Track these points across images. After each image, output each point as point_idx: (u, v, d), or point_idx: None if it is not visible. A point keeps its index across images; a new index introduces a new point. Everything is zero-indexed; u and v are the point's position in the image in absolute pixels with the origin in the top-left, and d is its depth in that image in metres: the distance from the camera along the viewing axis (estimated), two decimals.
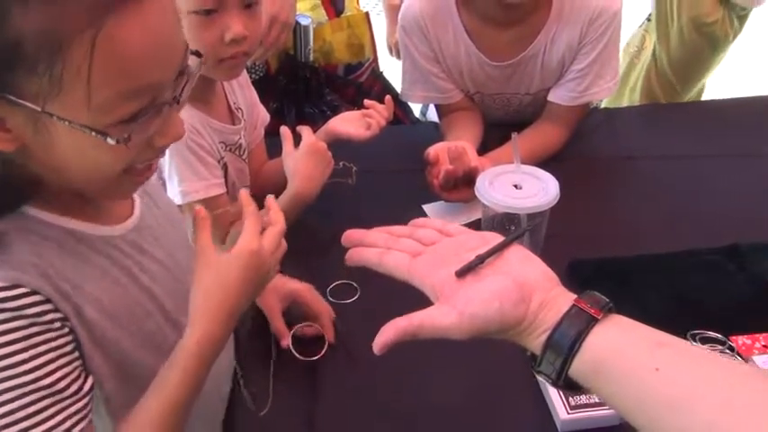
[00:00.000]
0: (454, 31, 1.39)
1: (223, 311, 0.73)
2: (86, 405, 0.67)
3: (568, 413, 0.87)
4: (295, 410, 0.93)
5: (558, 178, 1.07)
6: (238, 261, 0.74)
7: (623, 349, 0.56)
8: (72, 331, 0.66)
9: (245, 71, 1.32)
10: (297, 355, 0.97)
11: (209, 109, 1.18)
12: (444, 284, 0.62)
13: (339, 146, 1.29)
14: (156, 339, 0.77)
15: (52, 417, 0.64)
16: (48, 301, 0.64)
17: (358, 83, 1.73)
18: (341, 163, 1.38)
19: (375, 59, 1.78)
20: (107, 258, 0.73)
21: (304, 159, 1.18)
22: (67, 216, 0.69)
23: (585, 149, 1.47)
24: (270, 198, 0.85)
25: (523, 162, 1.13)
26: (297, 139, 1.22)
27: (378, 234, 0.69)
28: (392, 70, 1.76)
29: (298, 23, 1.54)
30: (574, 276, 1.10)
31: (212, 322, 0.72)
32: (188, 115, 1.11)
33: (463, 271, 0.62)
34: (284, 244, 0.82)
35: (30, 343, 0.62)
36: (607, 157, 1.45)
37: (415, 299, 0.64)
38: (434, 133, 1.48)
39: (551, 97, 1.44)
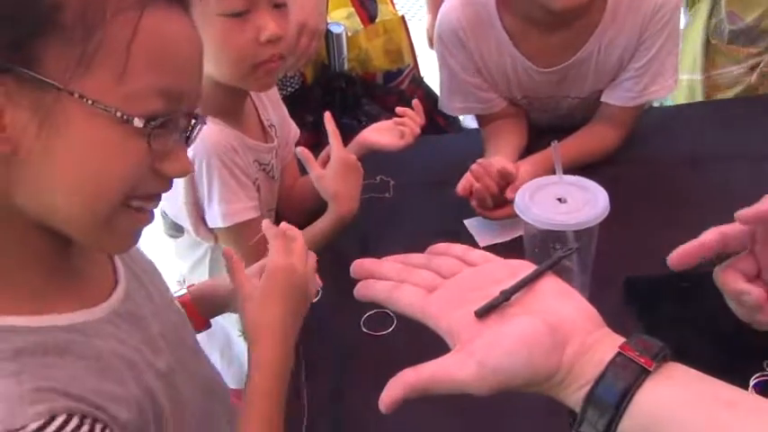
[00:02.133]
0: (497, 38, 1.30)
1: (275, 333, 0.78)
2: None
3: None
4: None
5: (609, 185, 0.95)
6: (274, 283, 0.79)
7: (682, 410, 0.46)
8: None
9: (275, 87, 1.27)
10: None
11: (242, 127, 1.13)
12: (462, 327, 0.53)
13: (375, 159, 1.22)
14: (171, 413, 0.70)
15: None
16: (84, 416, 0.56)
17: (399, 90, 1.66)
18: (378, 177, 1.32)
19: (415, 65, 1.70)
20: (116, 340, 0.65)
21: (340, 178, 1.11)
22: (51, 311, 0.60)
23: (642, 152, 1.35)
24: (283, 224, 0.88)
25: (575, 168, 1.03)
26: (315, 155, 1.15)
27: (391, 265, 0.60)
28: (435, 75, 1.68)
29: (330, 32, 1.48)
30: (630, 297, 1.00)
31: (266, 347, 0.77)
32: (223, 134, 1.07)
33: (484, 311, 0.52)
34: (312, 255, 0.86)
35: None
36: (667, 161, 1.32)
37: None
38: (476, 142, 1.39)
39: (606, 98, 1.33)
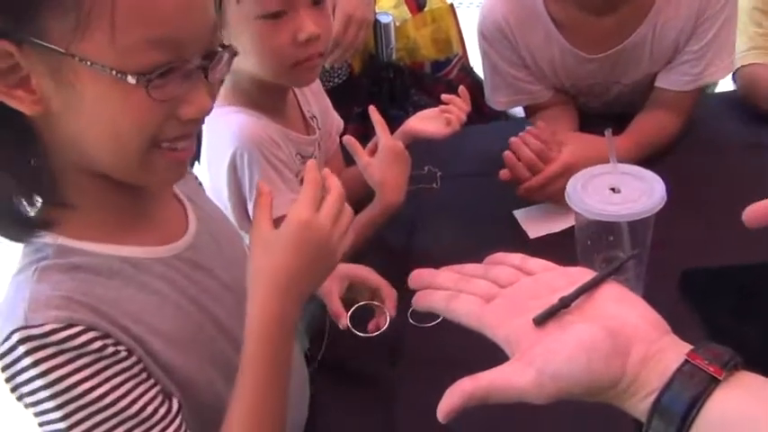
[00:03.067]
0: (544, 28, 1.27)
1: (275, 284, 0.68)
2: (180, 426, 0.65)
3: None
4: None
5: (667, 174, 0.91)
6: (286, 232, 0.69)
7: (756, 421, 0.44)
8: (140, 360, 0.63)
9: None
10: (356, 333, 0.91)
11: (284, 120, 1.13)
12: (521, 335, 0.52)
13: (423, 150, 1.20)
14: (222, 363, 0.73)
15: None
16: (106, 335, 0.61)
17: (447, 80, 1.64)
18: (425, 168, 1.30)
19: (464, 54, 1.68)
20: (165, 281, 0.69)
21: (388, 166, 1.10)
22: (117, 243, 0.66)
23: (701, 139, 1.30)
24: (325, 170, 0.76)
25: (634, 158, 0.99)
26: (362, 146, 1.14)
27: (448, 274, 0.60)
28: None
29: (378, 22, 1.47)
30: (687, 289, 0.96)
31: (265, 297, 0.68)
32: (265, 127, 1.07)
33: (543, 318, 0.51)
34: (349, 210, 0.74)
35: (103, 377, 0.60)
36: (727, 148, 1.27)
37: None
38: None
39: (661, 83, 1.29)
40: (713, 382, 0.45)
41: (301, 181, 1.11)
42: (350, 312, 0.93)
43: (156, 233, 0.71)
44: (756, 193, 1.12)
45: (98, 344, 0.60)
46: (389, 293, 0.94)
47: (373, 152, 1.12)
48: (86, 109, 0.58)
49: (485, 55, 1.35)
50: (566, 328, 0.51)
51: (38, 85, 0.57)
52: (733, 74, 1.40)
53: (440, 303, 0.58)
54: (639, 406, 0.48)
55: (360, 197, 1.16)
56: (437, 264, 0.63)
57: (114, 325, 0.62)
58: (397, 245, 1.15)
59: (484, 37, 1.32)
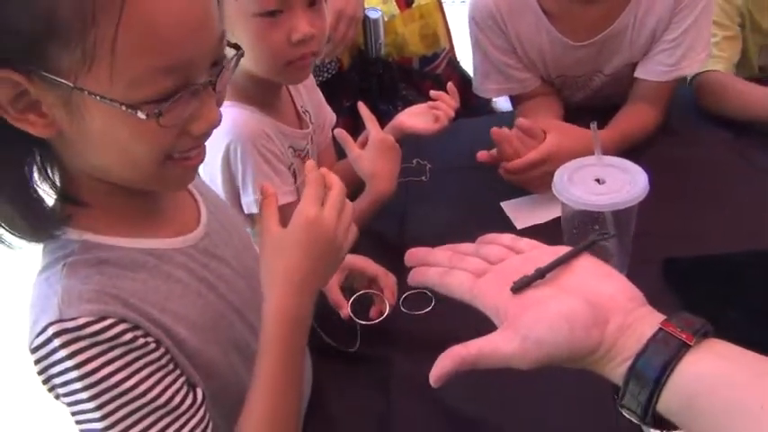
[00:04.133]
0: (533, 16, 1.30)
1: (289, 283, 0.71)
2: (204, 415, 0.67)
3: None
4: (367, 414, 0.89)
5: (650, 166, 0.95)
6: (294, 229, 0.71)
7: (721, 382, 0.47)
8: (168, 350, 0.66)
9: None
10: (357, 321, 0.94)
11: (277, 114, 1.15)
12: (508, 307, 0.56)
13: (412, 143, 1.23)
14: (242, 347, 0.76)
15: None
16: (136, 327, 0.63)
17: (434, 75, 1.67)
18: (414, 161, 1.33)
19: (451, 49, 1.71)
20: (186, 271, 0.71)
21: (378, 158, 1.13)
22: (137, 236, 0.68)
23: (684, 132, 1.33)
24: (322, 169, 0.77)
25: (617, 150, 1.02)
26: (353, 138, 1.17)
27: (442, 252, 0.65)
28: (471, 58, 1.68)
29: (367, 17, 1.50)
30: (669, 278, 0.99)
31: (281, 297, 0.70)
32: (257, 121, 1.08)
33: (520, 286, 0.56)
34: (350, 204, 0.77)
35: (133, 368, 0.62)
36: (709, 141, 1.30)
37: None
38: (512, 124, 1.38)
39: (640, 73, 1.33)
40: (684, 348, 0.49)
41: (293, 174, 1.15)
42: (350, 302, 0.96)
43: (172, 225, 0.73)
44: (737, 185, 1.17)
45: (129, 336, 0.62)
46: (388, 282, 0.97)
47: (364, 145, 1.15)
48: (97, 136, 0.59)
49: (476, 42, 1.37)
50: (549, 301, 0.55)
51: (49, 111, 0.58)
52: (689, 81, 1.44)
53: (434, 279, 0.62)
54: (617, 371, 0.51)
55: (352, 189, 1.18)
56: None
57: (143, 316, 0.64)
58: (388, 236, 1.17)
59: (476, 23, 1.35)
